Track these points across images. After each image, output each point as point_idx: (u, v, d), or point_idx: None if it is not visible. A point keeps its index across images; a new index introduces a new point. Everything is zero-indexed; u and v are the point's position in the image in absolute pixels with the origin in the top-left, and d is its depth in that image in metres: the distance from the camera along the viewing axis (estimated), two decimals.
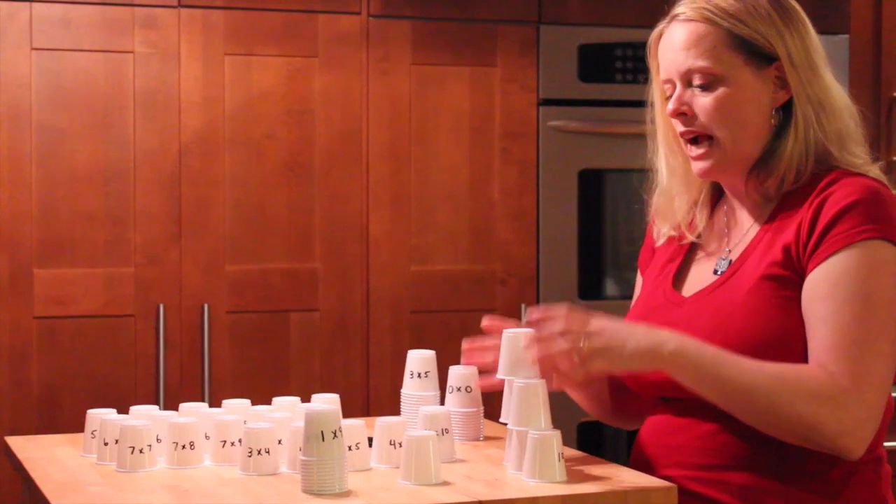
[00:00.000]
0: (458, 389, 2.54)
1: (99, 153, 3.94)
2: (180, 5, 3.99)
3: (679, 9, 2.32)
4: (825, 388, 2.12)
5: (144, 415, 2.46)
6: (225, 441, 2.35)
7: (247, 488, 2.18)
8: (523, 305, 4.25)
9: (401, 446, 2.24)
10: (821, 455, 2.18)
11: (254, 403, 2.57)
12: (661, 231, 2.47)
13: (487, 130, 4.27)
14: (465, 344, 2.48)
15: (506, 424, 2.30)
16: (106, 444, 2.38)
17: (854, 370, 2.13)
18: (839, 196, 2.20)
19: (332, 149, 4.13)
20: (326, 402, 2.52)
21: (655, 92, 2.40)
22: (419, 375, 2.57)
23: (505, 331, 2.31)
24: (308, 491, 2.11)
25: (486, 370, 2.46)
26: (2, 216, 3.86)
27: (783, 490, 2.20)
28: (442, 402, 2.56)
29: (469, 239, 4.26)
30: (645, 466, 2.31)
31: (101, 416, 2.44)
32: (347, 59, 4.13)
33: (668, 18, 2.34)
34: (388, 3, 4.15)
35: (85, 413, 2.50)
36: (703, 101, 2.28)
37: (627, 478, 2.22)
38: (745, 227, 2.35)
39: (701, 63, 2.27)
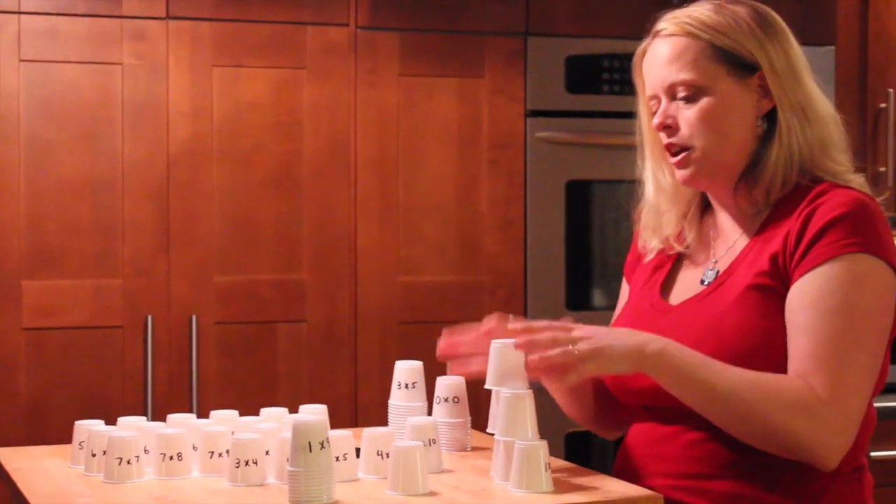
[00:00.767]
0: (446, 400, 2.55)
1: (87, 164, 3.94)
2: (168, 17, 3.99)
3: (661, 25, 2.35)
4: (803, 398, 2.14)
5: (132, 426, 2.46)
6: (213, 452, 2.35)
7: (234, 499, 2.19)
8: (511, 316, 4.21)
9: (388, 457, 2.24)
10: (804, 464, 2.19)
11: (242, 414, 2.58)
12: (648, 246, 2.48)
13: (475, 141, 4.27)
14: (442, 340, 2.48)
15: (493, 435, 2.30)
16: (94, 455, 2.38)
17: (833, 382, 2.15)
18: (827, 208, 2.22)
19: (320, 160, 4.13)
20: (314, 413, 2.53)
21: (642, 109, 2.42)
22: (407, 386, 2.58)
23: (493, 341, 2.32)
24: (295, 502, 2.11)
25: (459, 357, 2.46)
26: None
27: (767, 499, 2.21)
28: (429, 413, 2.57)
29: (457, 250, 4.27)
30: (630, 475, 2.32)
31: (88, 428, 2.44)
32: (335, 70, 4.14)
33: (650, 36, 2.37)
34: (376, 15, 4.16)
35: (73, 424, 2.50)
36: (687, 114, 2.30)
37: (614, 488, 2.23)
38: (733, 237, 2.36)
39: (683, 76, 2.29)
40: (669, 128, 2.32)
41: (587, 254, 4.38)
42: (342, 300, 4.16)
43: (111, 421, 2.53)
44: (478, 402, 2.67)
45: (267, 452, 2.30)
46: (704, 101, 2.29)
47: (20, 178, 3.88)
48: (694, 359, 2.18)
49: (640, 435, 2.35)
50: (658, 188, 2.42)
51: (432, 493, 2.19)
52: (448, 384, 2.55)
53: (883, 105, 4.69)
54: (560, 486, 2.22)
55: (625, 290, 2.57)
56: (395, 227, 4.20)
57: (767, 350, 2.20)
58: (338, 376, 4.15)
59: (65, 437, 2.66)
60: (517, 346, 2.25)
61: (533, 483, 2.18)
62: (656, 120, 2.34)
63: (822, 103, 2.34)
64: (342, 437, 2.30)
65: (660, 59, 2.32)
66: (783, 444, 2.16)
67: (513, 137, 4.30)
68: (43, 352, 3.91)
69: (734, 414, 2.17)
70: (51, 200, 3.92)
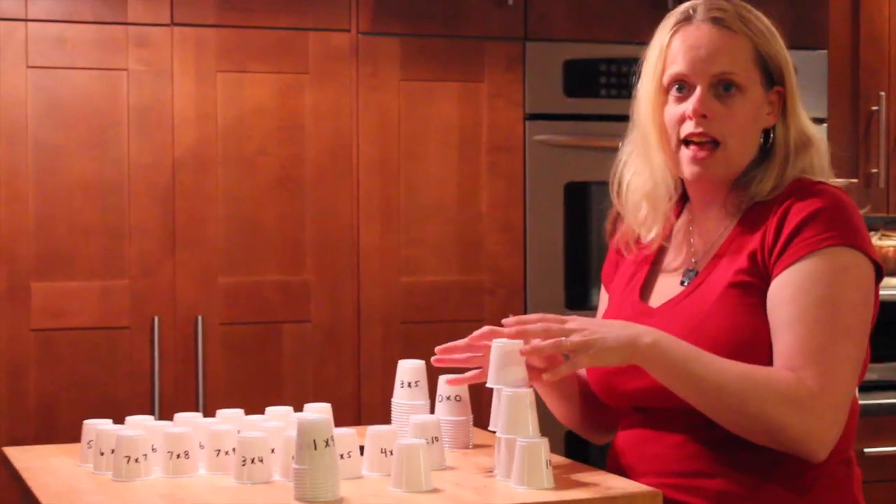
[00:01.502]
0: (448, 398, 2.55)
1: (94, 168, 3.95)
2: (173, 24, 4.00)
3: (711, 11, 2.30)
4: (793, 391, 2.14)
5: (140, 425, 2.46)
6: (219, 450, 2.35)
7: (241, 496, 2.19)
8: (511, 315, 4.25)
9: (392, 454, 2.24)
10: (794, 459, 2.20)
11: (247, 413, 2.58)
12: (647, 237, 2.43)
13: (475, 145, 4.28)
14: (436, 355, 2.47)
15: (494, 433, 2.30)
16: (102, 453, 2.38)
17: (821, 373, 2.15)
18: (803, 204, 2.23)
19: (322, 163, 4.14)
20: (318, 412, 2.52)
21: (654, 95, 2.34)
22: (409, 385, 2.58)
23: (494, 340, 2.32)
24: (301, 499, 2.11)
25: (460, 369, 2.47)
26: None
27: (757, 495, 2.21)
28: (432, 411, 2.57)
29: (457, 251, 4.28)
30: (621, 475, 2.31)
31: (97, 427, 2.44)
32: (337, 75, 4.14)
33: (681, 15, 2.32)
34: (377, 21, 4.16)
35: (81, 423, 2.51)
36: (725, 109, 2.27)
37: (614, 484, 2.23)
38: (711, 238, 2.36)
39: (732, 70, 2.27)
40: (704, 117, 2.28)
41: (585, 254, 4.39)
42: (345, 300, 4.17)
43: (119, 420, 2.54)
44: (479, 401, 2.70)
45: (272, 450, 2.30)
46: (741, 102, 2.28)
47: (28, 182, 3.90)
48: (687, 351, 2.18)
49: (630, 436, 2.35)
50: (663, 178, 2.38)
51: (435, 490, 2.19)
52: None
53: (875, 108, 4.70)
54: (561, 483, 2.22)
55: (604, 298, 2.56)
56: (397, 229, 4.21)
57: (751, 346, 2.21)
58: (341, 375, 4.16)
59: (73, 435, 2.66)
60: (508, 335, 2.24)
61: (534, 480, 2.18)
62: (691, 105, 2.28)
63: (815, 129, 2.36)
64: (346, 435, 2.29)
65: (709, 44, 2.28)
66: (774, 436, 2.17)
67: (512, 140, 4.31)
68: (51, 352, 3.92)
69: (725, 406, 2.16)
70: (58, 204, 3.92)
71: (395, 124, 4.21)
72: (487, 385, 2.34)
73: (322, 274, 4.15)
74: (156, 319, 3.98)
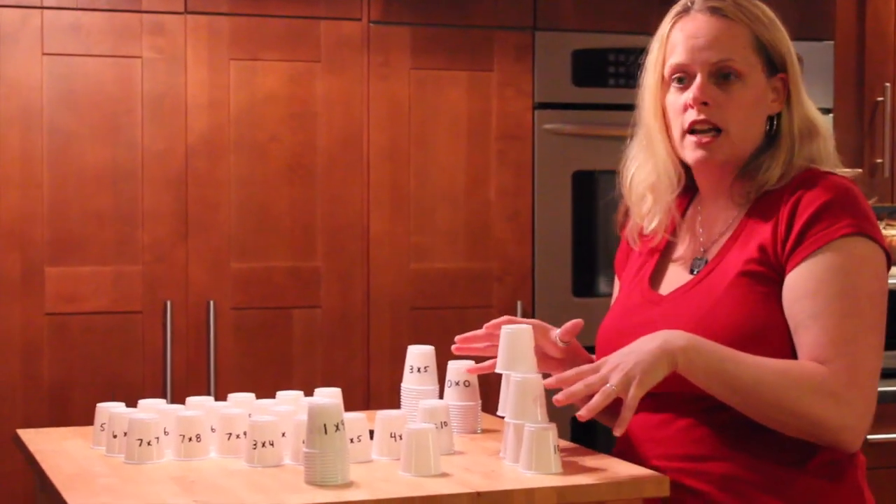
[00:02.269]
0: (457, 384, 2.56)
1: (108, 155, 3.96)
2: (187, 12, 4.01)
3: (708, 1, 2.32)
4: (827, 383, 2.15)
5: (152, 408, 2.48)
6: (230, 434, 2.37)
7: (252, 479, 2.20)
8: (519, 302, 4.25)
9: (401, 439, 2.26)
10: (799, 445, 2.21)
11: (258, 397, 2.59)
12: (649, 228, 2.45)
13: (484, 133, 4.29)
14: (456, 343, 2.50)
15: (503, 418, 2.31)
16: (115, 436, 2.40)
17: (850, 365, 2.16)
18: (813, 195, 2.24)
19: (333, 151, 4.15)
20: (329, 396, 2.54)
21: (656, 87, 2.37)
22: (419, 370, 2.59)
23: (504, 326, 2.34)
24: (311, 482, 2.12)
25: (479, 357, 2.49)
26: (14, 216, 3.88)
27: (763, 480, 2.22)
28: (441, 396, 2.58)
29: (466, 238, 4.28)
30: (629, 459, 2.32)
31: (109, 410, 2.45)
32: (349, 63, 4.15)
33: (693, 3, 2.34)
34: (388, 10, 4.17)
35: (94, 406, 2.53)
36: (725, 96, 2.29)
37: (621, 469, 2.25)
38: (720, 227, 2.37)
39: (731, 57, 2.29)
40: (705, 104, 2.30)
41: (593, 242, 4.40)
42: (355, 286, 4.18)
43: (132, 403, 2.56)
44: (488, 386, 2.71)
45: (283, 434, 2.31)
46: (741, 88, 2.30)
47: (43, 168, 3.91)
48: (720, 351, 2.17)
49: (637, 421, 2.32)
50: (665, 170, 2.40)
51: (444, 475, 2.19)
52: (459, 368, 2.56)
53: (880, 99, 4.70)
54: (568, 468, 2.23)
55: (617, 286, 2.57)
56: (407, 216, 4.23)
57: (761, 335, 2.21)
58: (351, 360, 4.17)
59: (87, 419, 2.68)
60: (558, 402, 2.20)
61: (542, 465, 2.19)
62: (692, 94, 2.30)
63: (820, 116, 2.37)
64: (356, 420, 2.30)
65: (707, 33, 2.30)
66: (810, 430, 2.17)
67: (521, 129, 4.31)
68: (65, 336, 3.93)
69: (762, 402, 2.16)
70: (72, 189, 3.94)
71: (406, 113, 4.22)
72: (496, 370, 2.36)
73: (332, 260, 4.17)
74: (168, 304, 4.00)
